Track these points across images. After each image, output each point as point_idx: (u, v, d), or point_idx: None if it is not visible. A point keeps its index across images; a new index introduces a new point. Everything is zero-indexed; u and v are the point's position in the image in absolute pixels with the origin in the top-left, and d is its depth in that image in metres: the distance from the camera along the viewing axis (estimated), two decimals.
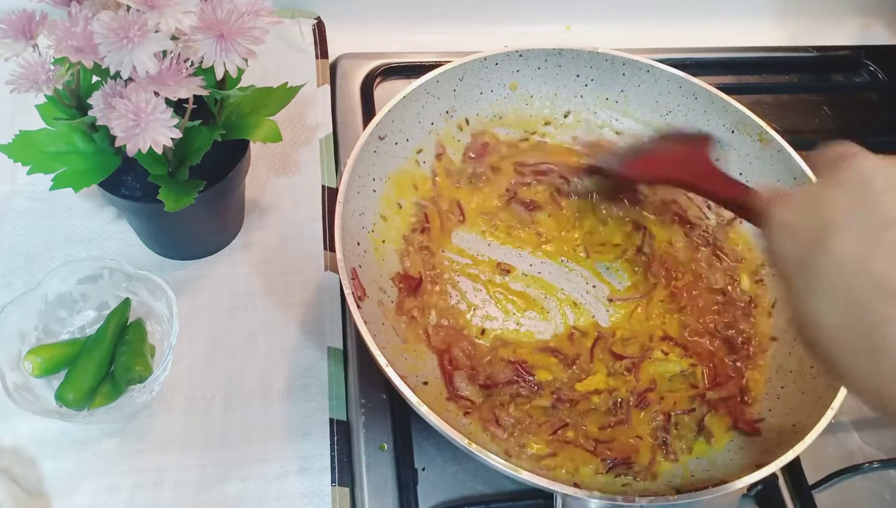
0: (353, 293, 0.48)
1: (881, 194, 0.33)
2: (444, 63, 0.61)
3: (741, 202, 0.48)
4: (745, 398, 0.54)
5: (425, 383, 0.52)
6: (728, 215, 0.63)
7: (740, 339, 0.57)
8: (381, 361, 0.45)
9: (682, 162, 0.59)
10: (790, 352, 0.55)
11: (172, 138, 0.41)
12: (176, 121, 0.41)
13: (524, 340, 0.57)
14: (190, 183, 0.49)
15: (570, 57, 0.65)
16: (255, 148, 0.57)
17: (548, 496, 0.48)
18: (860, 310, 0.31)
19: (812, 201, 0.36)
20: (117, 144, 0.40)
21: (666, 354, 0.57)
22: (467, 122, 0.65)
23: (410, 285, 0.56)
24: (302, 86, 0.54)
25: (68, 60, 0.40)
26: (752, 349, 0.57)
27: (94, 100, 0.42)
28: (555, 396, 0.53)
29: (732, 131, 0.63)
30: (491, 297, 0.58)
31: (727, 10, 0.86)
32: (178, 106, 0.42)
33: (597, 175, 0.64)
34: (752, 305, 0.59)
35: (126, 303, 0.53)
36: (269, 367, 0.56)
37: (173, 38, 0.39)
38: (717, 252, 0.62)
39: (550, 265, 0.61)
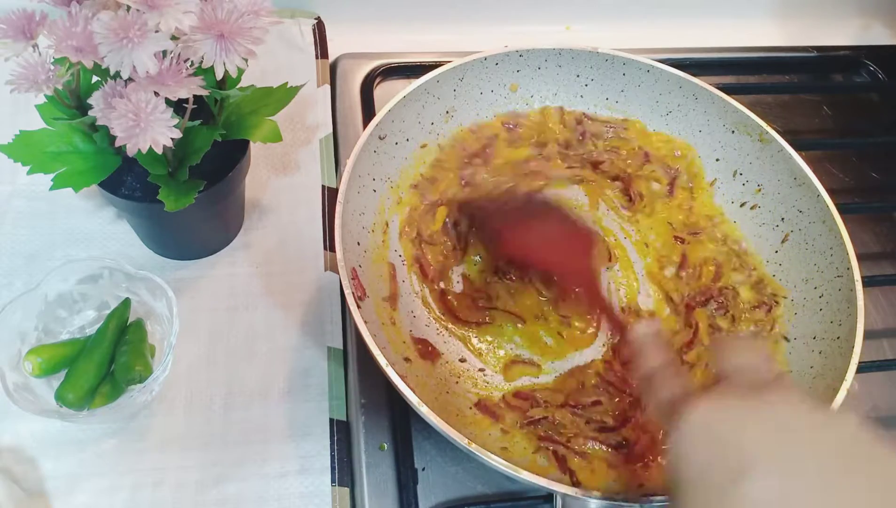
0: (353, 293, 0.48)
1: (799, 433, 0.32)
2: (444, 63, 0.61)
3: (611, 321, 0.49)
4: None
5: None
6: None
7: None
8: (381, 361, 0.45)
9: (565, 251, 0.55)
10: (790, 353, 0.55)
11: (172, 138, 0.41)
12: (176, 121, 0.41)
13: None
14: (190, 183, 0.49)
15: (570, 57, 0.65)
16: (255, 148, 0.57)
17: (548, 496, 0.49)
18: None
19: (734, 423, 0.33)
20: (117, 144, 0.40)
21: None
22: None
23: None
24: (302, 86, 0.54)
25: (68, 60, 0.40)
26: None
27: (94, 100, 0.42)
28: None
29: (732, 131, 0.63)
30: None
31: (727, 10, 0.86)
32: (178, 106, 0.42)
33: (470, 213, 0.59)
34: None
35: (126, 303, 0.53)
36: (269, 367, 0.56)
37: (173, 38, 0.39)
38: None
39: None
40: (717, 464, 0.32)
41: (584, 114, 0.66)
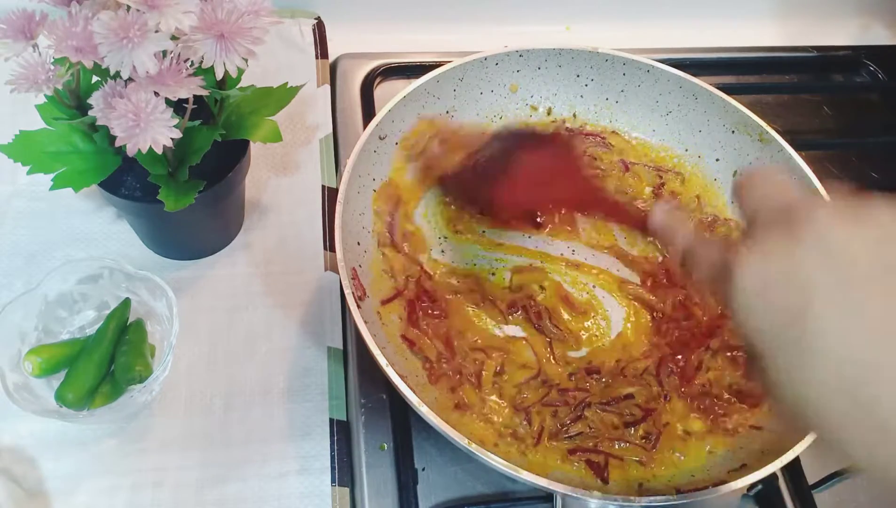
0: (353, 293, 0.48)
1: (850, 253, 0.31)
2: (444, 63, 0.61)
3: (641, 228, 0.45)
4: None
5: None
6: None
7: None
8: (381, 361, 0.45)
9: (556, 181, 0.52)
10: None
11: (172, 138, 0.41)
12: (176, 121, 0.41)
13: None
14: (190, 183, 0.49)
15: (570, 57, 0.65)
16: (255, 148, 0.57)
17: (548, 496, 0.48)
18: (853, 384, 0.29)
19: (783, 264, 0.32)
20: (117, 144, 0.40)
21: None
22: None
23: None
24: (302, 86, 0.54)
25: (68, 60, 0.40)
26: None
27: (94, 100, 0.42)
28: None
29: (732, 131, 0.63)
30: None
31: (727, 10, 0.86)
32: (178, 106, 0.42)
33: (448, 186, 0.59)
34: None
35: (126, 303, 0.53)
36: (269, 367, 0.56)
37: (173, 38, 0.39)
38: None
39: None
40: (777, 311, 0.31)
41: (564, 122, 0.67)
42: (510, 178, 0.53)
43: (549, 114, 0.67)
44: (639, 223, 0.45)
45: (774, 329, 0.31)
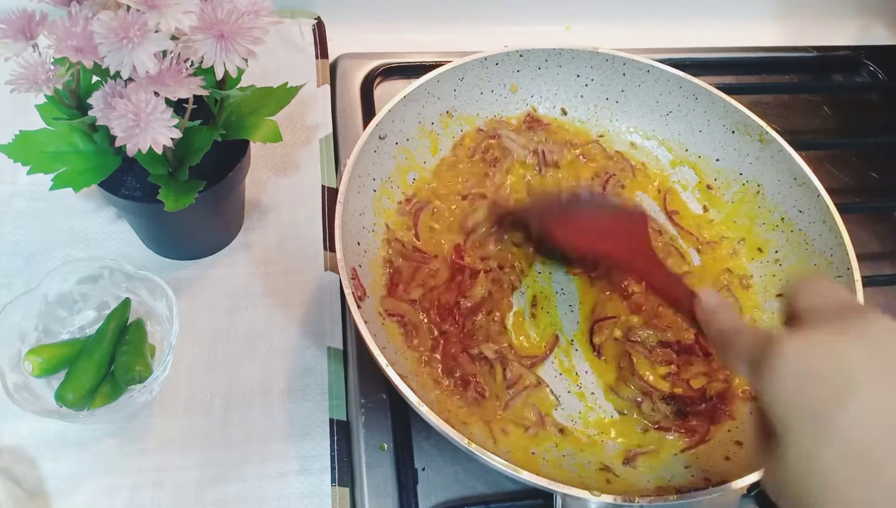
0: (353, 293, 0.48)
1: None
2: (444, 63, 0.61)
3: (687, 309, 0.47)
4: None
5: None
6: None
7: None
8: (381, 361, 0.45)
9: (618, 236, 0.54)
10: None
11: (172, 138, 0.41)
12: (176, 121, 0.41)
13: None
14: (190, 183, 0.49)
15: (570, 57, 0.65)
16: (255, 148, 0.57)
17: (548, 496, 0.48)
18: (878, 469, 0.31)
19: (830, 351, 0.33)
20: (117, 144, 0.40)
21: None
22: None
23: None
24: (302, 86, 0.54)
25: (68, 60, 0.40)
26: None
27: (94, 100, 0.42)
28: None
29: (732, 131, 0.63)
30: None
31: (727, 10, 0.86)
32: (178, 106, 0.42)
33: (521, 229, 0.59)
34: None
35: (126, 303, 0.53)
36: (269, 367, 0.56)
37: (173, 38, 0.39)
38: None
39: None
40: (817, 391, 0.32)
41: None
42: (579, 221, 0.56)
43: (563, 114, 0.67)
44: (687, 305, 0.47)
45: (809, 412, 0.32)
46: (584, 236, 0.55)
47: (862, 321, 0.34)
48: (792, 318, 0.38)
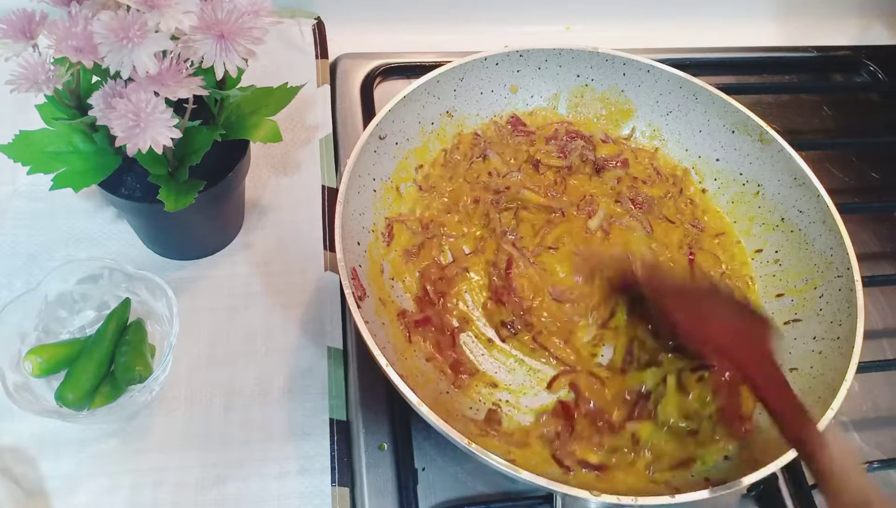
0: (353, 293, 0.48)
1: None
2: (444, 63, 0.61)
3: (795, 434, 0.44)
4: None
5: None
6: None
7: None
8: (381, 361, 0.45)
9: (742, 337, 0.51)
10: (790, 352, 0.55)
11: (172, 138, 0.41)
12: (176, 121, 0.41)
13: None
14: (190, 183, 0.49)
15: (570, 57, 0.65)
16: (255, 148, 0.57)
17: (548, 496, 0.49)
18: None
19: None
20: (117, 144, 0.40)
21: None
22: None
23: None
24: (302, 86, 0.54)
25: (68, 60, 0.40)
26: None
27: (94, 100, 0.42)
28: None
29: (732, 131, 0.63)
30: None
31: (727, 10, 0.86)
32: (178, 106, 0.42)
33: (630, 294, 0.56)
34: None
35: (126, 303, 0.53)
36: (269, 367, 0.56)
37: (173, 38, 0.39)
38: None
39: None
40: None
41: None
42: (707, 312, 0.53)
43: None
44: (795, 430, 0.44)
45: None
46: (710, 328, 0.52)
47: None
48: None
